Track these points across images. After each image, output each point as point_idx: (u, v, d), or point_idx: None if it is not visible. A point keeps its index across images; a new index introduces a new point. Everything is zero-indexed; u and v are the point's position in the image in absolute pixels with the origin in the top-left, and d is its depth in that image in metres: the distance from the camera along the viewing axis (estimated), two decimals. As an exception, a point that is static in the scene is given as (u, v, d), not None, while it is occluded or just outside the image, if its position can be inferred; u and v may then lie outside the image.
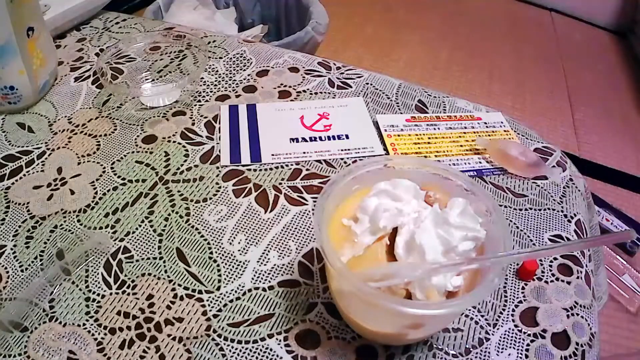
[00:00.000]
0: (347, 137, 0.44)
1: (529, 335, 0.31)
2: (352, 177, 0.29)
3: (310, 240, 0.35)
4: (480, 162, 0.43)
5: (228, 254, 0.35)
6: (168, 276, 0.33)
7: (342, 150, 0.43)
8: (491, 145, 0.43)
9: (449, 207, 0.27)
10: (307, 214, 0.37)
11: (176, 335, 0.30)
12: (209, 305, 0.31)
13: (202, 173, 0.40)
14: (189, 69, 0.52)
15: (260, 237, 0.36)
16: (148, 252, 0.34)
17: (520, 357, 0.30)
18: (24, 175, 0.40)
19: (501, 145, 0.42)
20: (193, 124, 0.45)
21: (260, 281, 0.33)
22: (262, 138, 0.44)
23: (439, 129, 0.46)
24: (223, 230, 0.36)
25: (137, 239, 0.35)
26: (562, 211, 0.40)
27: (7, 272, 0.33)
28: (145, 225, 0.36)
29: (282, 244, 0.35)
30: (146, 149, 0.43)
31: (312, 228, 0.36)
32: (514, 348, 0.30)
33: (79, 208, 0.37)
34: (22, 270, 0.33)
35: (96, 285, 0.32)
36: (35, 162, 0.41)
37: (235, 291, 0.32)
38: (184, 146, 0.43)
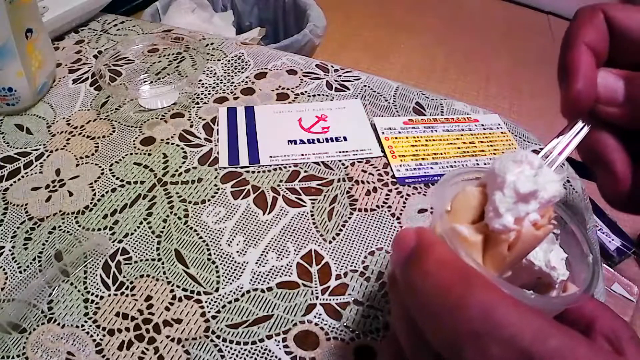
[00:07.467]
0: (345, 139, 0.45)
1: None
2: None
3: (308, 242, 0.36)
4: (477, 165, 0.43)
5: (226, 255, 0.35)
6: (167, 277, 0.33)
7: (340, 152, 0.43)
8: None
9: None
10: (306, 216, 0.37)
11: (175, 336, 0.30)
12: (207, 306, 0.32)
13: (201, 175, 0.40)
14: (187, 71, 0.52)
15: (258, 239, 0.36)
16: (146, 254, 0.35)
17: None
18: (23, 176, 0.40)
19: None
20: (191, 126, 0.45)
21: (258, 282, 0.33)
22: (261, 140, 0.44)
23: (436, 131, 0.46)
24: (221, 231, 0.36)
25: (136, 241, 0.35)
26: (558, 213, 0.40)
27: (6, 273, 0.33)
28: (144, 226, 0.36)
29: (281, 245, 0.35)
30: (144, 150, 0.43)
31: (310, 229, 0.36)
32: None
33: (78, 210, 0.38)
34: (20, 272, 0.33)
35: (95, 287, 0.32)
36: (33, 164, 0.41)
37: (234, 292, 0.32)
38: (182, 148, 0.43)
